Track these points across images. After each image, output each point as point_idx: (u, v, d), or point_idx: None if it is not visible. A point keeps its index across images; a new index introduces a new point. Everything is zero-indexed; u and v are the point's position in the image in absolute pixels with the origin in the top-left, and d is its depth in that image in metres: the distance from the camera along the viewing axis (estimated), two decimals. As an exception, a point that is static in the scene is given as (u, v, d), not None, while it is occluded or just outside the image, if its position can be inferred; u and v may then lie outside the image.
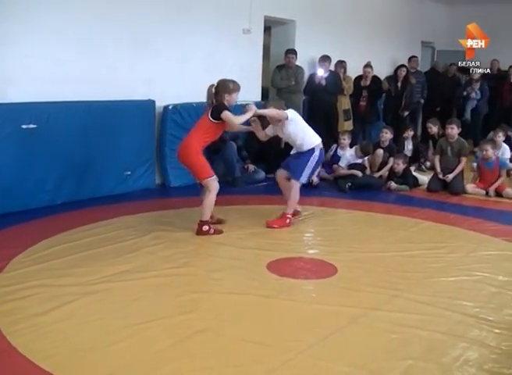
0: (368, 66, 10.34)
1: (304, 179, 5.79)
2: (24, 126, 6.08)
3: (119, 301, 3.93)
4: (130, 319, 3.62)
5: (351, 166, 8.14)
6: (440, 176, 7.91)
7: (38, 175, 6.23)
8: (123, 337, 3.38)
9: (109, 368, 3.06)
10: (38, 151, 6.19)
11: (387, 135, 8.58)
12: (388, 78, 10.75)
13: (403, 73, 10.63)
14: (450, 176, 7.76)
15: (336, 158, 8.49)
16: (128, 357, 3.18)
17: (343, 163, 8.23)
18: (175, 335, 3.44)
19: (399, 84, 10.63)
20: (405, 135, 9.48)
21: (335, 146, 8.67)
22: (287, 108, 6.50)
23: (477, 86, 10.83)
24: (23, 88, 6.10)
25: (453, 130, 7.96)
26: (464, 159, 7.93)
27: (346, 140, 8.54)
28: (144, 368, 3.08)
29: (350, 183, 7.83)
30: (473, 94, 10.10)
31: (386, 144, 8.53)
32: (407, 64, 11.65)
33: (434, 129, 9.12)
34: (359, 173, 8.05)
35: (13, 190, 5.98)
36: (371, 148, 8.31)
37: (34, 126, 6.14)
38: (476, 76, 10.79)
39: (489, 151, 7.73)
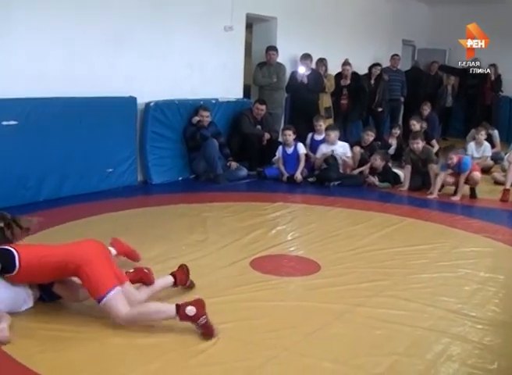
0: (346, 63, 10.40)
1: None
2: (5, 123, 6.02)
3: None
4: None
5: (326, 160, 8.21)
6: (403, 188, 7.73)
7: (20, 172, 6.17)
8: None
9: None
10: (19, 148, 6.13)
11: (371, 138, 8.58)
12: (362, 76, 10.85)
13: (377, 71, 10.91)
14: (434, 193, 7.43)
15: (315, 145, 8.51)
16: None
17: (318, 155, 8.29)
18: (155, 334, 3.41)
19: (372, 82, 10.80)
20: (394, 131, 9.48)
21: (310, 134, 8.70)
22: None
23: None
24: (2, 85, 6.02)
25: (419, 145, 7.69)
26: (432, 166, 7.61)
27: (322, 125, 8.57)
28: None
29: (335, 183, 7.89)
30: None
31: (368, 143, 8.55)
32: (388, 62, 11.77)
33: (417, 126, 9.12)
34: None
35: (-6, 187, 5.93)
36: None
37: (15, 122, 6.09)
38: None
39: (454, 159, 7.37)
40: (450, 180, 7.48)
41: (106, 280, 3.40)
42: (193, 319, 3.33)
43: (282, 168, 8.15)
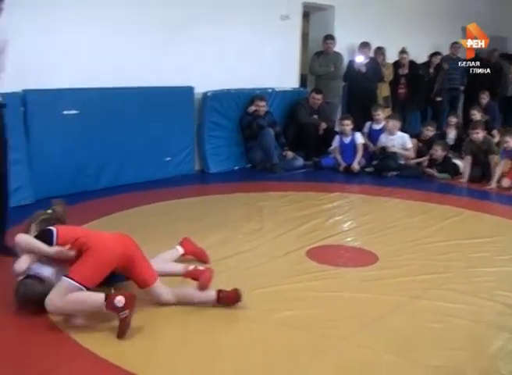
0: (403, 52, 10.24)
1: None
2: (66, 112, 6.18)
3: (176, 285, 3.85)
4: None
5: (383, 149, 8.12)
6: (463, 180, 7.60)
7: (80, 160, 6.34)
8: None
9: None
10: (80, 137, 6.28)
11: (431, 133, 8.39)
12: (421, 64, 10.66)
13: (437, 60, 10.71)
14: (493, 183, 7.27)
15: (374, 134, 8.43)
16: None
17: (379, 145, 8.22)
18: (215, 325, 3.45)
19: (431, 70, 10.58)
20: (449, 120, 9.31)
21: (369, 123, 8.61)
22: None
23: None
24: (64, 75, 6.18)
25: (479, 135, 7.56)
26: (494, 157, 7.52)
27: (380, 115, 8.48)
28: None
29: (393, 174, 7.82)
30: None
31: (427, 138, 8.38)
32: (447, 50, 11.52)
33: (478, 116, 8.92)
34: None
35: (56, 174, 6.10)
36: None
37: (76, 111, 6.24)
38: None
39: (510, 142, 7.21)
40: (506, 184, 7.23)
41: (86, 274, 3.32)
42: (117, 310, 3.19)
43: (339, 158, 8.11)
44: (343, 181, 7.55)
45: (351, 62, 9.63)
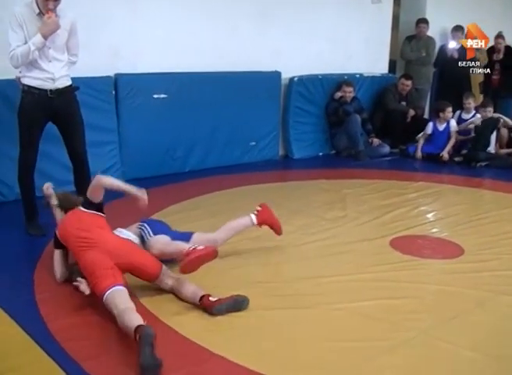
0: (499, 36, 9.80)
1: None
2: (155, 96, 6.32)
3: (255, 270, 3.98)
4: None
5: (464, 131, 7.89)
6: None
7: (168, 143, 6.48)
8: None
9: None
10: (168, 121, 6.42)
11: None
12: None
13: None
14: None
15: (462, 123, 8.15)
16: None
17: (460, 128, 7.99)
18: (293, 313, 3.46)
19: None
20: None
21: (458, 112, 8.34)
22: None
23: None
24: (154, 59, 6.32)
25: None
26: None
27: (471, 103, 8.20)
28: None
29: (482, 164, 7.54)
30: None
31: None
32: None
33: None
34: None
35: (144, 156, 6.27)
36: None
37: (165, 95, 6.38)
38: None
39: None
40: None
41: (109, 279, 3.24)
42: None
43: (419, 145, 7.93)
44: (430, 170, 7.35)
45: (443, 48, 9.35)
